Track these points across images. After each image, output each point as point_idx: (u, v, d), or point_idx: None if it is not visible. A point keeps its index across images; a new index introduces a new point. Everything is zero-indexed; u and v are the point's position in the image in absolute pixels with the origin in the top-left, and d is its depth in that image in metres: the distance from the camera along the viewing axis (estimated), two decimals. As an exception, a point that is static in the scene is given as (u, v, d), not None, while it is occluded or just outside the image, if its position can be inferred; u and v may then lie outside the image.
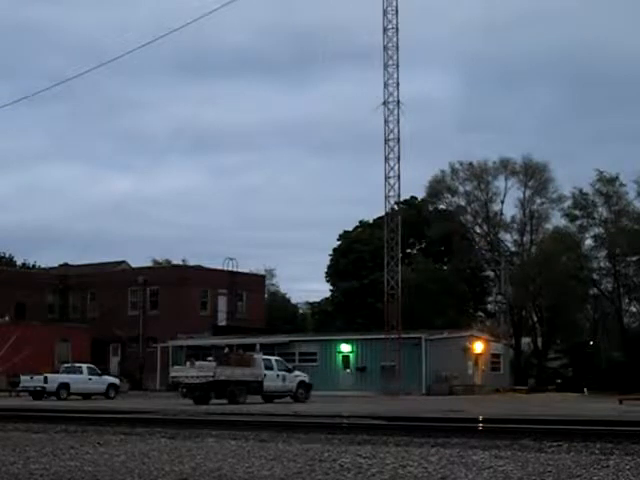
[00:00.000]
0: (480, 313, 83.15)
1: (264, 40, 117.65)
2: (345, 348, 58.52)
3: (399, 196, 56.98)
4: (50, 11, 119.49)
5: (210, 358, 44.53)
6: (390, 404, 39.55)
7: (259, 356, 45.01)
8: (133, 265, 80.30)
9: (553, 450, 12.17)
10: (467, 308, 78.89)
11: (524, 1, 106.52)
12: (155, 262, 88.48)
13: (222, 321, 71.57)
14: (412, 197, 79.68)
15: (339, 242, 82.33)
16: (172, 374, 44.71)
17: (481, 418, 20.49)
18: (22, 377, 48.00)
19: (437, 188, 77.54)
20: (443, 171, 76.24)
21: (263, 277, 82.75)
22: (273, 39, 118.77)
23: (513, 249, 76.95)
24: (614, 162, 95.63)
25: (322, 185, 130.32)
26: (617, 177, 71.53)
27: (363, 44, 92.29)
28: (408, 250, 76.00)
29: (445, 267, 78.60)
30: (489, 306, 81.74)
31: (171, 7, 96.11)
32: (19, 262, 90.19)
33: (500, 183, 75.38)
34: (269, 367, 43.54)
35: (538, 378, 69.33)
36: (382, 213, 62.69)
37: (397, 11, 54.56)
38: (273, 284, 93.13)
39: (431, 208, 79.73)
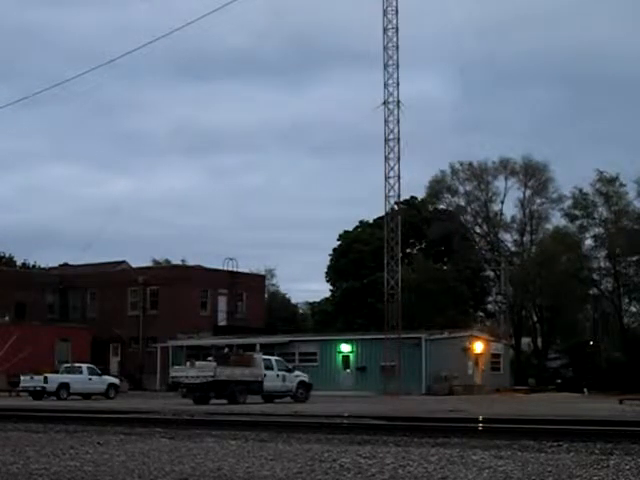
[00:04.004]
0: (480, 313, 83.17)
1: (263, 41, 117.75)
2: (345, 348, 58.53)
3: (399, 196, 57.02)
4: (49, 13, 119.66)
5: (210, 358, 44.53)
6: (390, 404, 39.54)
7: (259, 356, 44.99)
8: (133, 265, 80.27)
9: (553, 450, 12.18)
10: (467, 308, 78.87)
11: (524, 1, 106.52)
12: (155, 262, 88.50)
13: (222, 321, 71.57)
14: (412, 197, 79.73)
15: (339, 242, 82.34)
16: (172, 374, 44.70)
17: (481, 418, 20.48)
18: (22, 377, 48.00)
19: (437, 188, 77.60)
20: (443, 171, 76.39)
21: (263, 277, 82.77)
22: (272, 40, 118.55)
23: (513, 249, 77.01)
24: (614, 162, 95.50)
25: (322, 185, 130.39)
26: (617, 177, 71.64)
27: (362, 45, 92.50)
28: (408, 250, 76.01)
29: (445, 267, 78.60)
30: (489, 306, 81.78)
31: (170, 9, 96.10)
32: (19, 262, 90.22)
33: (500, 183, 75.54)
34: (269, 367, 43.52)
35: (538, 378, 69.34)
36: (382, 213, 62.76)
37: (397, 11, 54.60)
38: (273, 284, 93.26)
39: (431, 208, 79.78)
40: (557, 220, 75.01)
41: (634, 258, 72.02)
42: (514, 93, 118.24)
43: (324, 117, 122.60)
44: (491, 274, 77.46)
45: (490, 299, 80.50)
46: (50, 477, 10.59)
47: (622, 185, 71.75)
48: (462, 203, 77.19)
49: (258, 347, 56.54)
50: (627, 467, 10.37)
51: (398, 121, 54.85)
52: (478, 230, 77.99)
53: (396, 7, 54.54)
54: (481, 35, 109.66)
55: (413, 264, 72.68)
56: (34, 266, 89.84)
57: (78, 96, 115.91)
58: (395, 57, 54.80)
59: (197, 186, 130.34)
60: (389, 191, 55.29)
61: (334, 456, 11.76)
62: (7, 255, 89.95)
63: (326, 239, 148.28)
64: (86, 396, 47.96)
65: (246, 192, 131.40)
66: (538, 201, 75.00)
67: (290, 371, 44.81)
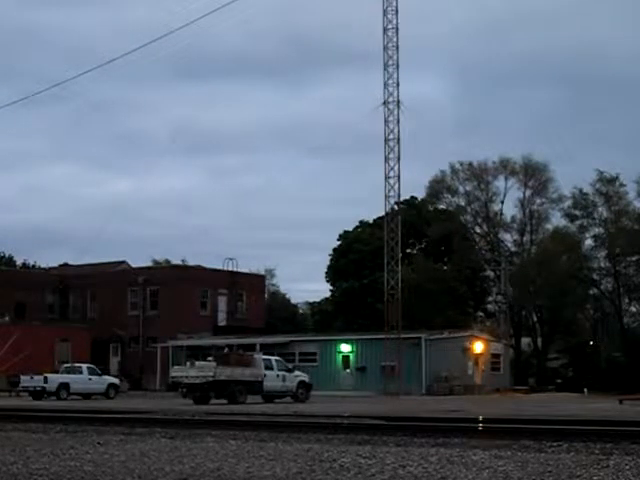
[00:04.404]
0: (480, 313, 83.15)
1: (262, 41, 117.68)
2: (345, 348, 58.52)
3: (399, 196, 57.03)
4: (49, 13, 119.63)
5: (210, 358, 44.53)
6: (390, 404, 39.56)
7: (259, 356, 45.01)
8: (133, 265, 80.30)
9: (553, 450, 12.17)
10: (467, 308, 78.87)
11: (524, 1, 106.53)
12: (155, 262, 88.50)
13: (222, 321, 71.57)
14: (412, 197, 79.74)
15: (339, 242, 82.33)
16: (172, 374, 44.71)
17: (481, 418, 20.48)
18: (22, 377, 48.01)
19: (437, 188, 77.61)
20: (443, 171, 76.40)
21: (263, 277, 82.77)
22: (272, 40, 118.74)
23: (513, 249, 77.02)
24: (614, 162, 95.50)
25: (322, 185, 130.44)
26: (617, 177, 71.65)
27: (362, 45, 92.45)
28: (408, 250, 75.99)
29: (445, 267, 78.59)
30: (489, 306, 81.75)
31: (169, 9, 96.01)
32: (19, 262, 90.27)
33: (500, 183, 75.55)
34: (269, 367, 43.53)
35: (538, 378, 69.35)
36: (382, 213, 62.76)
37: (397, 11, 54.60)
38: (273, 284, 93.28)
39: (431, 208, 79.79)
40: (557, 220, 75.14)
41: (634, 258, 72.02)
42: (514, 93, 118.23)
43: (324, 117, 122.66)
44: (491, 274, 77.43)
45: (490, 299, 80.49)
46: (50, 477, 10.59)
47: (622, 185, 71.85)
48: (462, 203, 77.25)
49: (258, 347, 56.55)
50: (627, 467, 10.37)
51: (398, 121, 54.93)
52: (478, 230, 78.02)
53: (396, 7, 54.59)
54: (481, 35, 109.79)
55: (413, 264, 72.66)
56: (34, 266, 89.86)
57: (78, 96, 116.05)
58: (395, 57, 54.84)
59: (197, 186, 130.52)
60: (389, 191, 55.35)
61: (334, 456, 11.76)
62: (7, 255, 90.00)
63: (326, 239, 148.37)
64: (86, 396, 47.97)
65: (246, 192, 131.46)
66: (538, 201, 75.08)
67: (290, 371, 44.81)
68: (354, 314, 74.78)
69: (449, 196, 77.48)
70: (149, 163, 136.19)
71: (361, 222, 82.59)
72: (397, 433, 14.88)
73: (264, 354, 46.52)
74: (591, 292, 75.08)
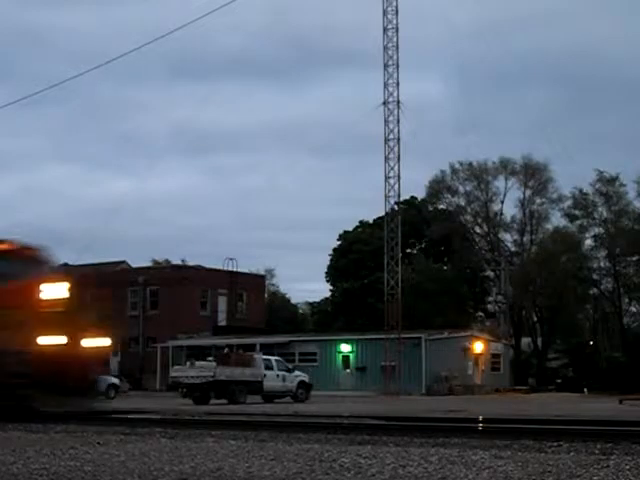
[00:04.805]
0: (480, 313, 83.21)
1: (262, 41, 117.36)
2: (345, 348, 58.54)
3: (399, 196, 57.16)
4: (49, 14, 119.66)
5: (210, 358, 44.54)
6: (390, 404, 39.55)
7: (259, 356, 45.04)
8: (133, 265, 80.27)
9: (553, 450, 12.15)
10: (467, 308, 78.92)
11: (523, 2, 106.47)
12: (155, 262, 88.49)
13: (222, 321, 71.59)
14: (412, 197, 79.77)
15: (339, 242, 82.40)
16: (172, 374, 44.73)
17: (481, 418, 20.46)
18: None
19: (437, 188, 77.67)
20: (443, 171, 76.48)
21: (263, 277, 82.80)
22: (271, 40, 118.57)
23: (513, 249, 77.10)
24: (614, 162, 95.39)
25: (322, 185, 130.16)
26: (617, 177, 71.74)
27: (362, 45, 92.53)
28: (408, 250, 76.04)
29: (445, 267, 78.65)
30: (489, 306, 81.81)
31: (169, 9, 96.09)
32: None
33: (500, 183, 75.67)
34: (269, 367, 43.55)
35: (538, 378, 69.35)
36: (382, 213, 62.85)
37: (397, 11, 54.71)
38: (273, 284, 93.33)
39: (431, 208, 79.85)
40: (557, 220, 75.27)
41: (634, 258, 72.09)
42: (514, 93, 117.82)
43: (324, 117, 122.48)
44: (491, 274, 77.51)
45: (490, 299, 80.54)
46: (50, 477, 10.58)
47: (622, 185, 71.98)
48: (462, 203, 77.36)
49: (258, 347, 56.56)
50: (627, 467, 10.34)
51: (398, 121, 55.07)
52: (478, 230, 78.11)
53: (396, 7, 54.70)
54: (481, 35, 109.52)
55: (413, 264, 72.70)
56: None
57: (78, 96, 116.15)
58: (395, 57, 54.97)
59: (197, 186, 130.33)
60: (389, 191, 55.44)
61: (334, 456, 11.74)
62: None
63: (326, 239, 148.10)
64: (86, 396, 47.89)
65: (246, 192, 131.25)
66: (538, 201, 75.18)
67: (290, 371, 44.83)
68: (354, 314, 74.80)
69: (449, 196, 77.66)
70: (149, 163, 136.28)
71: (361, 222, 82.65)
72: (397, 433, 14.85)
73: (264, 354, 46.54)
74: (591, 292, 75.18)
